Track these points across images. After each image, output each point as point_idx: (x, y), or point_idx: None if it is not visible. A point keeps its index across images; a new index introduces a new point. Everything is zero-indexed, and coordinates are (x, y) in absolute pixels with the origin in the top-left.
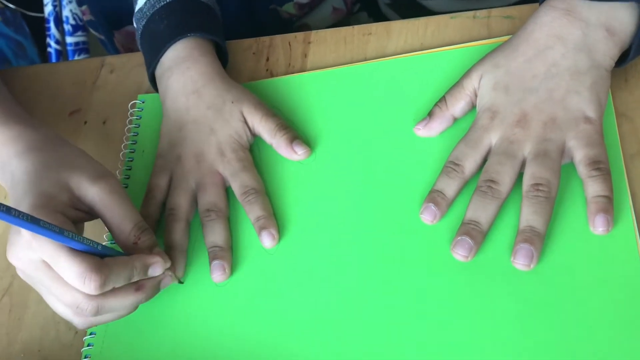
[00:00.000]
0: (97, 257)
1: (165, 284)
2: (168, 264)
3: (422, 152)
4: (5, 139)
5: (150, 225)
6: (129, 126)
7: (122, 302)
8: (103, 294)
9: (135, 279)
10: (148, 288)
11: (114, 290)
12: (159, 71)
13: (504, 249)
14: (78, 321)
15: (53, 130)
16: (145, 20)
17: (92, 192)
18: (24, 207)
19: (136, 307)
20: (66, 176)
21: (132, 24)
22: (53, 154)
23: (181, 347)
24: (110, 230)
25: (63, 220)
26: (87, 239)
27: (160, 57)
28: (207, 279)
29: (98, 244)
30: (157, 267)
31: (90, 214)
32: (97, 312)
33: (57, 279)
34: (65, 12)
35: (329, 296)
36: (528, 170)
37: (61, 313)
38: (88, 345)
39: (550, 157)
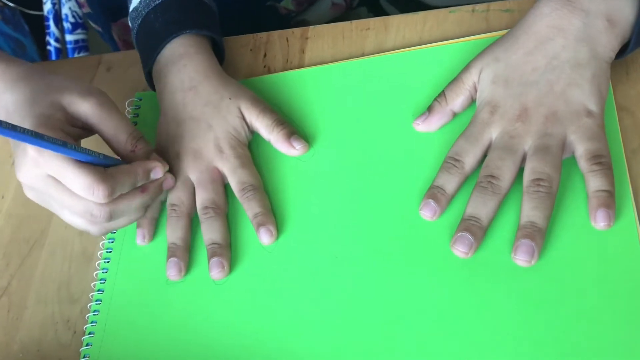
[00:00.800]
0: (102, 168)
1: (167, 184)
2: (167, 167)
3: (422, 148)
4: None
5: (150, 223)
6: None
7: (130, 204)
8: (113, 200)
9: (139, 184)
10: (152, 189)
11: (122, 195)
12: (155, 69)
13: (504, 245)
14: (93, 229)
15: (37, 64)
16: (140, 19)
17: (84, 107)
18: None
19: (145, 209)
20: (58, 97)
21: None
22: (40, 81)
23: (180, 346)
24: (107, 142)
25: (64, 136)
26: (89, 150)
27: (157, 55)
28: (206, 277)
29: (100, 154)
30: (157, 170)
31: (86, 129)
32: (110, 218)
33: (67, 192)
34: (65, 10)
35: (328, 293)
36: (529, 165)
37: (76, 224)
38: (87, 344)
39: (551, 152)
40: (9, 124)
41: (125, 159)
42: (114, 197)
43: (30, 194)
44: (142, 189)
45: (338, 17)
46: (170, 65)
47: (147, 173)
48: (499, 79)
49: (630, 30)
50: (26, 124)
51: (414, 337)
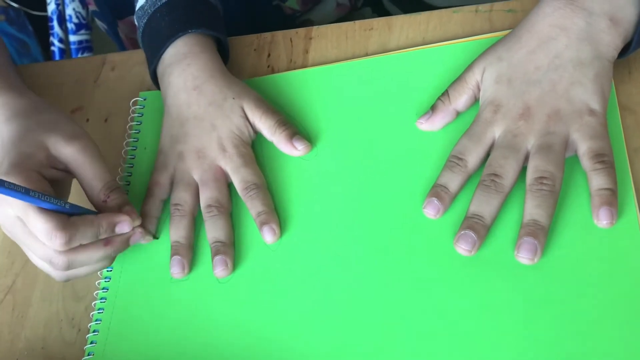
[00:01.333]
0: (65, 216)
1: (134, 239)
2: (137, 222)
3: (425, 147)
4: None
5: (152, 222)
6: (131, 123)
7: (91, 256)
8: (73, 250)
9: (102, 237)
10: (116, 243)
11: (83, 246)
12: (160, 68)
13: (507, 243)
14: (55, 274)
15: (38, 97)
16: (146, 17)
17: (67, 151)
18: (3, 167)
19: (110, 261)
20: (44, 137)
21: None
22: (36, 119)
23: (184, 343)
24: (83, 189)
25: (38, 178)
26: (54, 198)
27: (162, 54)
28: (210, 275)
29: (66, 202)
30: (124, 225)
31: (68, 172)
32: (68, 266)
33: (31, 235)
34: (69, 11)
35: (331, 292)
36: (532, 163)
37: (40, 267)
38: (91, 342)
39: (554, 150)
40: None
41: (98, 209)
42: (72, 245)
43: (5, 230)
44: (106, 241)
45: (342, 17)
46: (175, 64)
47: (112, 226)
48: (502, 78)
49: (633, 30)
50: (6, 161)
51: (417, 335)
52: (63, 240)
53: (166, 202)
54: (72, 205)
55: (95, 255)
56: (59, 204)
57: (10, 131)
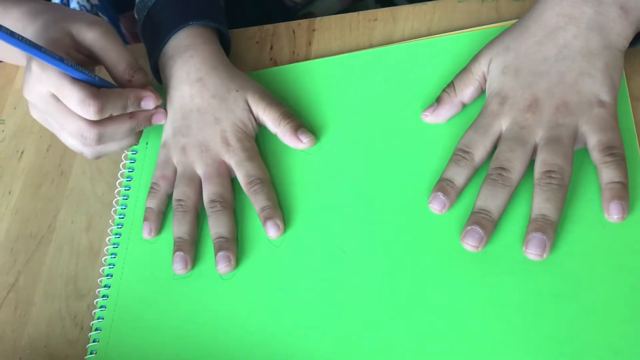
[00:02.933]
0: (96, 88)
1: (157, 119)
2: (160, 101)
3: (430, 140)
4: (19, 15)
5: (157, 217)
6: None
7: (118, 128)
8: (102, 122)
9: (130, 110)
10: (140, 117)
11: (111, 118)
12: (161, 61)
13: (515, 238)
14: (86, 151)
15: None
16: (146, 10)
17: (90, 35)
18: None
19: (135, 138)
20: (68, 25)
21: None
22: (58, 13)
23: (187, 340)
24: (107, 70)
25: (67, 58)
26: (85, 70)
27: (163, 46)
28: (213, 272)
29: (96, 75)
30: (149, 100)
31: (91, 58)
32: (99, 139)
33: (64, 110)
34: (73, 4)
35: (335, 287)
36: (540, 156)
37: (71, 145)
38: (94, 340)
39: (563, 143)
40: (7, 29)
41: (123, 87)
42: (104, 115)
43: (34, 113)
44: (131, 115)
45: (345, 8)
46: (177, 57)
47: (138, 100)
48: (509, 69)
49: None
50: None
51: (423, 332)
52: (96, 108)
53: (170, 196)
54: (101, 78)
55: (122, 127)
56: (90, 75)
57: (36, 25)
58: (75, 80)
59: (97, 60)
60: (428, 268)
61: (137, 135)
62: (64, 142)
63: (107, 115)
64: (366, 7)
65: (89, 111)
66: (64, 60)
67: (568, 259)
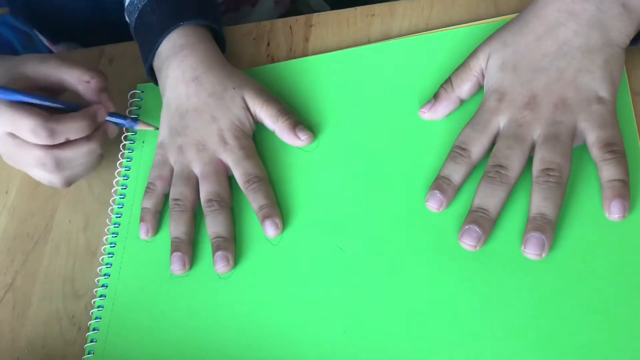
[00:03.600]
0: (47, 113)
1: (110, 132)
2: (111, 109)
3: (428, 137)
4: None
5: (153, 218)
6: None
7: (77, 151)
8: (59, 147)
9: (88, 129)
10: (96, 135)
11: (68, 142)
12: (156, 64)
13: (514, 237)
14: (54, 180)
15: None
16: (137, 12)
17: (45, 67)
18: None
19: (97, 158)
20: (21, 68)
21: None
22: (8, 62)
23: (185, 341)
24: (75, 92)
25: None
26: (34, 93)
27: (156, 49)
28: (210, 271)
29: (46, 98)
30: (100, 112)
31: (52, 90)
32: (59, 164)
33: (21, 144)
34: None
35: (334, 286)
36: (538, 154)
37: (39, 178)
38: (91, 341)
39: (561, 140)
40: None
41: (85, 95)
42: (58, 139)
43: (4, 158)
44: (88, 137)
45: (285, 12)
46: (172, 57)
47: (92, 116)
48: (507, 65)
49: None
50: None
51: (421, 331)
52: (46, 132)
53: (166, 196)
54: (53, 100)
55: (80, 149)
56: (39, 97)
57: None
58: (27, 108)
59: (58, 90)
60: (426, 267)
61: (99, 155)
62: (34, 177)
63: (62, 138)
64: (307, 5)
65: (41, 136)
66: (6, 88)
67: (567, 258)
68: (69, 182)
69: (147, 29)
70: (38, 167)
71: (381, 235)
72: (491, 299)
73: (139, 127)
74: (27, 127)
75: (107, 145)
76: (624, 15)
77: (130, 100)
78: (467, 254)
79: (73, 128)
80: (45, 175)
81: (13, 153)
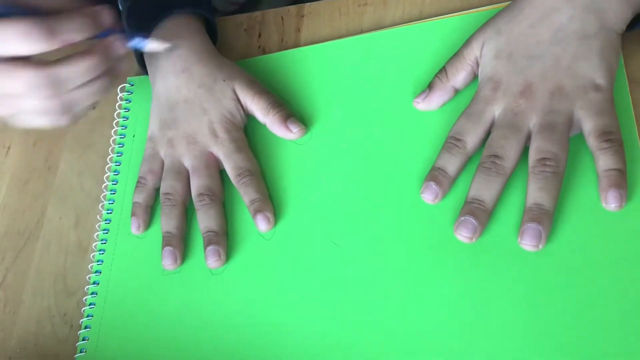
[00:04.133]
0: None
1: (115, 48)
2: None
3: (423, 127)
4: None
5: (145, 212)
6: (119, 110)
7: (74, 67)
8: (53, 65)
9: (88, 29)
10: (98, 49)
11: (61, 60)
12: (147, 53)
13: (510, 228)
14: (52, 109)
15: None
16: (130, 0)
17: None
18: None
19: (103, 83)
20: None
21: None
22: None
23: (177, 337)
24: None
25: None
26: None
27: (147, 37)
28: (203, 267)
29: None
30: (104, 15)
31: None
32: (56, 85)
33: (4, 69)
34: None
35: (327, 281)
36: (534, 143)
37: (33, 114)
38: (83, 339)
39: (558, 129)
40: None
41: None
42: (57, 40)
43: None
44: (87, 51)
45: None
46: None
47: (92, 14)
48: (502, 53)
49: None
50: None
51: (417, 325)
52: (44, 30)
53: (157, 190)
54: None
55: (79, 66)
56: (20, 6)
57: None
58: (12, 19)
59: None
60: (422, 260)
61: (105, 79)
62: (24, 119)
63: (62, 40)
64: None
65: (36, 38)
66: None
67: (565, 249)
68: (69, 111)
69: (139, 17)
70: (30, 96)
71: (376, 229)
72: (488, 292)
73: (150, 46)
74: (16, 31)
75: (98, 139)
76: (620, 0)
77: (120, 94)
78: (463, 247)
79: (73, 26)
80: (39, 106)
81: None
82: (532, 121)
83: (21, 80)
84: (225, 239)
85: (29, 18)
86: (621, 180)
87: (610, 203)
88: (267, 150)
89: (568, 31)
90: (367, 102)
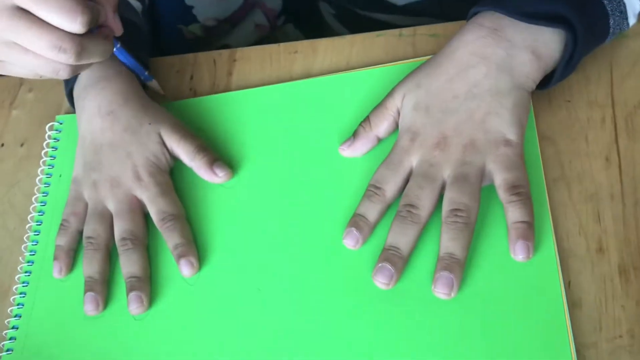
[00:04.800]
0: None
1: (116, 29)
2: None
3: (347, 174)
4: None
5: (67, 256)
6: (46, 149)
7: (97, 43)
8: (82, 35)
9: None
10: (106, 28)
11: (87, 34)
12: (76, 90)
13: (426, 275)
14: (65, 64)
15: None
16: None
17: None
18: None
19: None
20: None
21: None
22: None
23: None
24: None
25: None
26: None
27: (76, 77)
28: (125, 311)
29: None
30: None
31: None
32: (80, 54)
33: (35, 22)
34: None
35: (250, 327)
36: (447, 194)
37: (39, 67)
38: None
39: (469, 181)
40: None
41: None
42: (91, 26)
43: None
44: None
45: (264, 37)
46: (90, 88)
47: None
48: (420, 106)
49: (554, 64)
50: None
51: None
52: (88, 16)
53: (81, 233)
54: None
55: (100, 43)
56: None
57: None
58: None
59: None
60: (342, 306)
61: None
62: (12, 71)
63: (95, 21)
64: (286, 34)
65: (78, 21)
66: None
67: (476, 297)
68: (77, 71)
69: None
70: (52, 51)
71: (298, 274)
72: (404, 337)
73: (152, 84)
74: (60, 4)
75: (25, 178)
76: (532, 62)
77: (48, 133)
78: (381, 293)
79: (100, 14)
80: (48, 66)
81: (18, 32)
82: (446, 172)
83: (50, 38)
84: (148, 284)
85: None
86: (528, 233)
87: (518, 254)
88: (194, 193)
89: (482, 87)
90: (294, 147)
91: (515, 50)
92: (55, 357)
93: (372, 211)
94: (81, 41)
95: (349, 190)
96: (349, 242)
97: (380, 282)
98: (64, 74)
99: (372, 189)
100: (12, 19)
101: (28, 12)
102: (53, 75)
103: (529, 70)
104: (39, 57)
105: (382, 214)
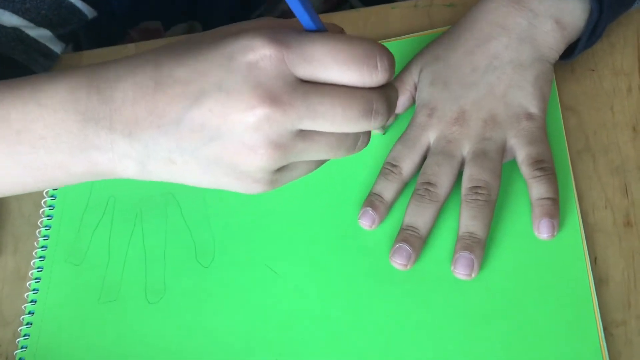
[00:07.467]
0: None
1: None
2: None
3: (361, 152)
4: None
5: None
6: None
7: (395, 94)
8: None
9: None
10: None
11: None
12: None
13: (445, 255)
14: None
15: None
16: None
17: None
18: None
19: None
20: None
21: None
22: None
23: None
24: None
25: None
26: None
27: None
28: (139, 295)
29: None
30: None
31: None
32: (390, 107)
33: (328, 93)
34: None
35: (265, 309)
36: (467, 171)
37: (333, 150)
38: None
39: (490, 157)
40: None
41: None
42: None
43: (274, 161)
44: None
45: (329, 9)
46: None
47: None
48: (438, 80)
49: (578, 34)
50: None
51: (356, 353)
52: (391, 60)
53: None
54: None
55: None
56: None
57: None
58: (324, 35)
59: None
60: (360, 288)
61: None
62: (314, 161)
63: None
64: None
65: (385, 66)
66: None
67: (498, 277)
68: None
69: None
70: (365, 116)
71: (314, 256)
72: (423, 319)
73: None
74: (357, 54)
75: None
76: (555, 32)
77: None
78: (399, 274)
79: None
80: (371, 126)
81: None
82: (466, 148)
83: (359, 102)
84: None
85: (358, 40)
86: (553, 210)
87: (543, 232)
88: None
89: (503, 59)
90: None
91: (538, 19)
92: (70, 340)
93: (388, 190)
94: (386, 93)
95: (365, 168)
96: (365, 222)
97: (398, 264)
98: (362, 146)
99: (388, 167)
100: (299, 98)
101: (313, 82)
102: (349, 154)
103: (552, 41)
104: (336, 136)
105: (399, 193)
